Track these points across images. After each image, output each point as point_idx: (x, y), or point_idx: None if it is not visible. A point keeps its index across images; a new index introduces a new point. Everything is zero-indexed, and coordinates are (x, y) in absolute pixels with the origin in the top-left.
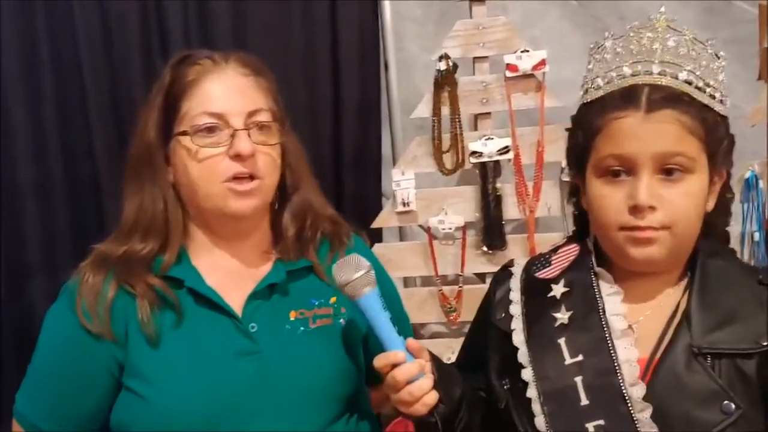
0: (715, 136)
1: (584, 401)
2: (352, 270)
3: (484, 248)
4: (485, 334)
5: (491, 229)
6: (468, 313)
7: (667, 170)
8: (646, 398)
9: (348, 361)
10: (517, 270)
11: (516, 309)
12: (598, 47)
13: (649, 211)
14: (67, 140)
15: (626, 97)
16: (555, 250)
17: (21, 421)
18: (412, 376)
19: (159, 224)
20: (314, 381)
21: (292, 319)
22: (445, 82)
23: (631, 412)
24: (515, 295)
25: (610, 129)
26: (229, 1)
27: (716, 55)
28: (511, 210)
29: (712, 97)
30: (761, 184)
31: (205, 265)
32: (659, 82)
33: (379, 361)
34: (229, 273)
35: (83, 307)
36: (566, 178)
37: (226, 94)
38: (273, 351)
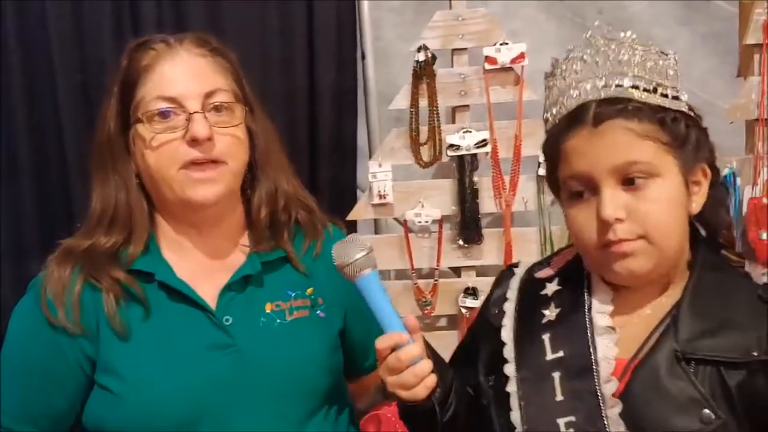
0: (677, 133)
1: (559, 397)
2: (352, 251)
3: (460, 242)
4: (479, 331)
5: (467, 223)
6: (443, 306)
7: (629, 179)
8: (623, 398)
9: (326, 354)
10: (521, 270)
11: (509, 306)
12: (551, 75)
13: (618, 224)
14: (35, 121)
15: (575, 118)
16: (558, 252)
17: None
18: (416, 357)
19: (123, 216)
20: (291, 375)
21: (267, 311)
22: (423, 73)
23: (602, 408)
24: (512, 293)
25: (564, 152)
26: None
27: (662, 52)
28: (487, 204)
29: (665, 95)
30: (738, 181)
31: (176, 255)
32: (605, 95)
33: (382, 342)
34: (201, 264)
35: (48, 300)
36: (543, 173)
37: (180, 76)
38: (249, 344)
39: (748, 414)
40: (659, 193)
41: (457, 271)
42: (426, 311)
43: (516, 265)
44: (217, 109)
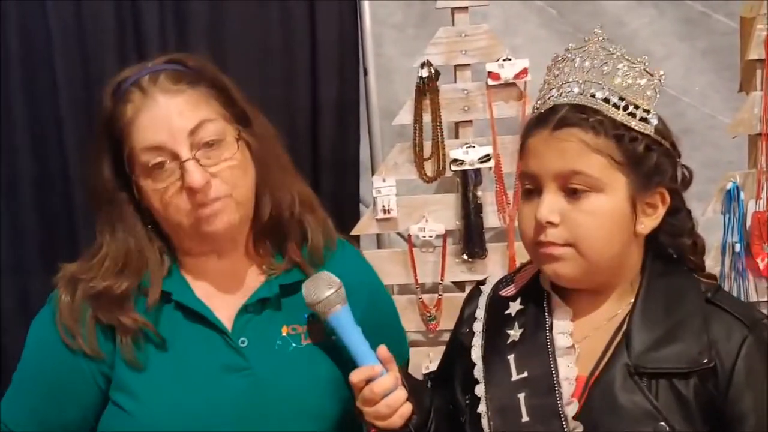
0: (633, 153)
1: (525, 418)
2: (322, 289)
3: (464, 256)
4: (454, 349)
5: (471, 238)
6: (447, 321)
7: (572, 189)
8: (582, 416)
9: (339, 380)
10: (487, 288)
11: (478, 326)
12: (548, 69)
13: (549, 227)
14: (37, 136)
15: (544, 117)
16: (520, 269)
17: (3, 428)
18: (389, 389)
19: (134, 260)
20: (304, 399)
21: (283, 334)
22: (426, 89)
23: (565, 429)
24: (480, 312)
25: (526, 147)
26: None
27: (648, 71)
28: (491, 218)
29: (632, 115)
30: (742, 195)
31: (195, 276)
32: (576, 102)
33: (356, 376)
34: (220, 285)
35: (65, 327)
36: None
37: (161, 122)
38: (263, 368)
39: (705, 421)
40: (597, 207)
41: (461, 286)
42: (430, 326)
43: (483, 283)
44: (207, 146)
